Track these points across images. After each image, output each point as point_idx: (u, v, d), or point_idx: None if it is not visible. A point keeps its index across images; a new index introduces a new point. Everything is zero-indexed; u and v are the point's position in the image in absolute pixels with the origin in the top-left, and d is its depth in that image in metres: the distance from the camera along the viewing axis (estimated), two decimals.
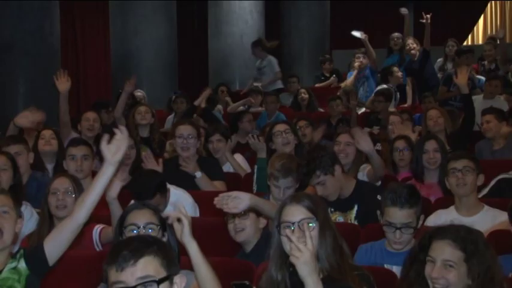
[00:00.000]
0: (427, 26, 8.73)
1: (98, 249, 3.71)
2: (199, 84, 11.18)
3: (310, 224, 2.54)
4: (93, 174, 4.80)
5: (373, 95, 8.27)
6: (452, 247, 2.42)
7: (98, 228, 3.77)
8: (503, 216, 3.61)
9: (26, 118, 5.18)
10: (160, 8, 9.88)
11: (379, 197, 3.88)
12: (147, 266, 2.03)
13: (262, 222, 3.59)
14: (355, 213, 4.07)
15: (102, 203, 4.32)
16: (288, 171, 4.16)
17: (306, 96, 9.03)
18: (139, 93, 8.64)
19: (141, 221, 2.96)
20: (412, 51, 9.05)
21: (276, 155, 4.61)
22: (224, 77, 11.03)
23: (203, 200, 4.43)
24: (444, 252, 2.43)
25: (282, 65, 11.86)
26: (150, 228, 2.95)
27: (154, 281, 2.02)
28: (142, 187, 4.02)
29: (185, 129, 5.00)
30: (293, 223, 2.54)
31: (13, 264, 2.84)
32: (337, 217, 4.11)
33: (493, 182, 4.53)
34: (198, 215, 4.42)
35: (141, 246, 2.07)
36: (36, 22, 7.19)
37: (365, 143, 4.43)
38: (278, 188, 4.14)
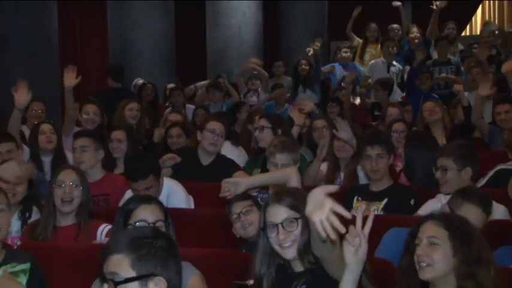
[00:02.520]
0: (436, 13, 8.69)
1: None
2: (197, 76, 11.18)
3: (293, 223, 2.53)
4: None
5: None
6: (437, 225, 2.45)
7: (103, 228, 3.71)
8: None
9: (22, 95, 5.19)
10: (158, 2, 9.88)
11: (412, 202, 3.95)
12: (117, 264, 2.03)
13: None
14: (384, 205, 4.05)
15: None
16: (285, 147, 4.21)
17: (307, 67, 9.04)
18: (140, 81, 8.69)
19: (151, 218, 2.92)
20: (416, 40, 9.04)
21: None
22: (222, 69, 10.98)
23: (198, 192, 4.47)
24: (429, 229, 2.45)
25: (280, 56, 11.88)
26: (159, 226, 2.89)
27: (112, 279, 2.02)
28: (136, 167, 4.02)
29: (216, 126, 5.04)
30: (276, 224, 2.54)
31: (14, 269, 2.85)
32: (360, 205, 4.12)
33: (491, 173, 4.55)
34: (192, 207, 4.44)
35: (118, 242, 2.07)
36: (34, 16, 7.17)
37: (344, 132, 4.60)
38: (275, 166, 4.17)
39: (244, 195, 3.73)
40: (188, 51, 12.69)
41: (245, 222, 3.58)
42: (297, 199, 2.57)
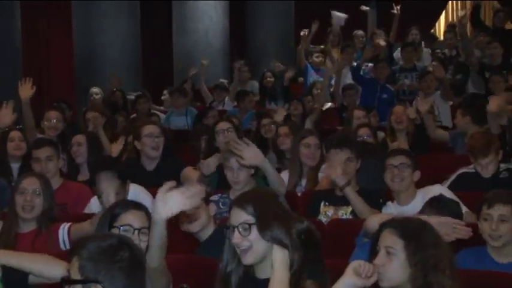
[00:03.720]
0: (396, 17, 8.82)
1: (65, 249, 3.65)
2: (164, 81, 11.15)
3: (246, 229, 2.51)
4: (61, 173, 4.84)
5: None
6: (393, 234, 2.45)
7: (64, 226, 3.72)
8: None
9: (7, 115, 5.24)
10: (124, 5, 9.83)
11: (381, 200, 4.02)
12: (71, 264, 2.06)
13: (212, 209, 3.65)
14: (352, 209, 4.02)
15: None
16: None
17: (272, 79, 9.12)
18: (95, 89, 8.62)
19: (137, 224, 2.90)
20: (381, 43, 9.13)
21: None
22: (189, 74, 10.98)
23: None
24: (386, 238, 2.46)
25: (247, 60, 11.88)
26: (144, 232, 2.88)
27: (62, 278, 2.07)
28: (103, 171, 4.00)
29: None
30: (234, 227, 2.53)
31: None
32: (327, 210, 4.13)
33: (453, 176, 4.61)
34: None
35: (79, 244, 2.09)
36: None
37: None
38: (231, 170, 4.08)
39: None
40: (155, 56, 12.63)
41: (191, 216, 3.45)
42: (260, 204, 2.55)
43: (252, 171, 4.15)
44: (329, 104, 8.66)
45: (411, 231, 2.45)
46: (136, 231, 2.87)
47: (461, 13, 10.43)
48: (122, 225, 2.89)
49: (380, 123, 6.92)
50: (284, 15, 12.53)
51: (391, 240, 2.45)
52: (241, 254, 2.51)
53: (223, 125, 5.31)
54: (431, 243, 2.43)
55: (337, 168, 3.95)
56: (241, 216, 2.52)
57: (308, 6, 13.03)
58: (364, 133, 5.49)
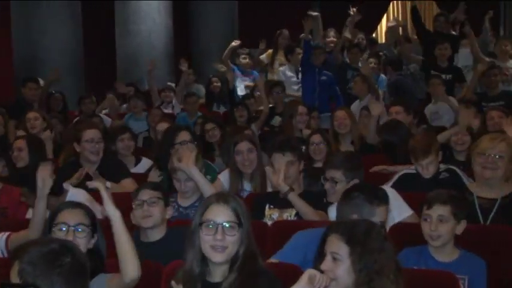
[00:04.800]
0: (353, 18, 8.92)
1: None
2: (108, 84, 11.00)
3: (231, 228, 2.55)
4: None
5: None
6: (339, 240, 2.47)
7: (3, 236, 3.66)
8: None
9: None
10: (65, 7, 9.67)
11: (325, 200, 4.00)
12: (12, 270, 2.08)
13: (169, 213, 3.63)
14: (296, 211, 4.04)
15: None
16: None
17: (218, 84, 9.11)
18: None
19: (72, 221, 2.97)
20: (331, 45, 9.20)
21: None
22: (133, 77, 10.89)
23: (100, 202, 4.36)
24: (332, 244, 2.48)
25: (191, 63, 11.84)
26: (80, 229, 2.96)
27: (2, 282, 2.06)
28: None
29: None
30: (218, 224, 2.54)
31: None
32: (272, 213, 4.14)
33: (396, 177, 4.67)
34: (100, 217, 4.36)
35: (22, 249, 2.10)
36: None
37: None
38: (178, 182, 4.24)
39: (157, 186, 3.71)
40: (97, 58, 12.47)
41: (146, 212, 3.52)
42: (241, 207, 2.59)
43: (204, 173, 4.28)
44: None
45: (357, 237, 2.46)
46: (71, 228, 2.95)
47: (390, 23, 10.67)
48: (57, 223, 2.98)
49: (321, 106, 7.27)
50: (228, 16, 12.53)
51: (336, 246, 2.47)
52: (214, 253, 2.54)
53: (185, 136, 5.02)
54: (376, 248, 2.45)
55: (280, 175, 3.96)
56: (227, 215, 2.57)
57: (252, 6, 13.09)
58: (315, 140, 5.49)
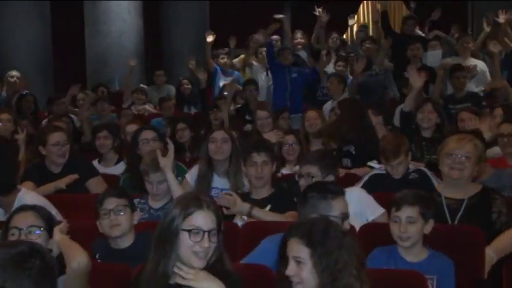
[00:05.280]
0: (320, 20, 8.96)
1: None
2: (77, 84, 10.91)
3: (214, 235, 2.57)
4: None
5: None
6: (299, 243, 2.47)
7: None
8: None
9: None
10: (33, 7, 9.59)
11: (295, 200, 3.99)
12: None
13: (136, 218, 3.60)
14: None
15: None
16: (158, 166, 4.22)
17: (189, 87, 9.11)
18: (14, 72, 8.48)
19: (24, 224, 2.93)
20: (299, 46, 9.23)
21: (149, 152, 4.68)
22: (103, 77, 10.83)
23: (66, 204, 4.35)
24: (293, 249, 2.49)
25: (162, 64, 11.81)
26: (33, 231, 2.92)
27: None
28: None
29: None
30: (205, 232, 2.55)
31: None
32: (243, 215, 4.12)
33: (366, 178, 4.72)
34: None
35: None
36: None
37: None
38: (150, 184, 4.27)
39: (122, 192, 3.65)
40: (66, 59, 12.37)
41: (114, 221, 3.48)
42: (220, 212, 2.62)
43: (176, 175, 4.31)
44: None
45: (315, 238, 2.46)
46: (24, 232, 2.93)
47: (350, 21, 10.75)
48: (10, 228, 2.96)
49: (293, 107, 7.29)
50: (199, 16, 12.49)
51: (297, 250, 2.47)
52: (198, 259, 2.55)
53: (148, 135, 5.21)
54: (335, 246, 2.46)
55: (237, 200, 3.91)
56: (213, 222, 2.57)
57: (223, 7, 13.07)
58: (289, 140, 5.52)
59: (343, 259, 2.44)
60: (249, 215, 3.90)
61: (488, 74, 8.15)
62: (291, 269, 2.46)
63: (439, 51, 8.75)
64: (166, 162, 4.22)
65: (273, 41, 8.73)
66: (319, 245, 2.44)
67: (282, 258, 2.53)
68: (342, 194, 3.21)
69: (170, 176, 4.23)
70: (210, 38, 9.06)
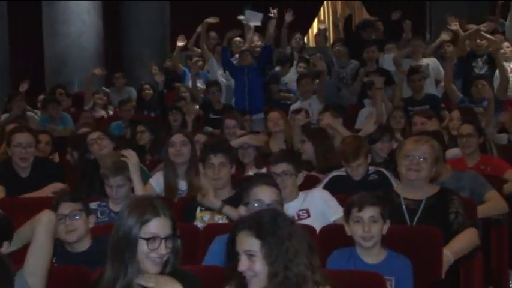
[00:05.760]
0: (273, 21, 8.99)
1: None
2: (35, 86, 10.77)
3: (170, 241, 2.55)
4: None
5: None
6: (250, 235, 2.44)
7: None
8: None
9: None
10: None
11: None
12: None
13: (91, 221, 3.58)
14: None
15: None
16: (118, 170, 4.24)
17: (150, 92, 9.08)
18: None
19: None
20: (257, 49, 9.25)
21: (108, 154, 4.71)
22: (62, 79, 10.70)
23: (21, 207, 4.28)
24: (243, 243, 2.45)
25: (122, 65, 11.71)
26: None
27: None
28: None
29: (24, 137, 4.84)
30: (162, 239, 2.53)
31: None
32: (204, 216, 4.13)
33: (326, 179, 4.74)
34: None
35: None
36: None
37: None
38: (110, 188, 4.26)
39: (76, 197, 3.61)
40: (24, 60, 12.19)
41: (70, 226, 3.44)
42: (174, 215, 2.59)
43: (132, 184, 4.31)
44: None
45: (265, 228, 2.44)
46: None
47: (321, 26, 10.89)
48: None
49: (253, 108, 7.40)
50: (159, 17, 12.41)
51: (248, 243, 2.44)
52: (153, 265, 2.53)
53: (93, 135, 5.25)
54: (285, 235, 2.43)
55: (210, 193, 3.97)
56: (169, 228, 2.55)
57: (183, 7, 13.01)
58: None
59: (293, 248, 2.42)
60: (220, 211, 3.93)
61: (442, 69, 8.29)
62: (243, 264, 2.43)
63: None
64: (133, 160, 4.24)
65: (226, 47, 8.84)
66: (269, 235, 2.42)
67: (231, 257, 2.49)
68: (269, 184, 3.43)
69: (136, 177, 4.27)
70: (181, 42, 9.09)
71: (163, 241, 2.52)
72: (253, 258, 2.43)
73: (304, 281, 2.41)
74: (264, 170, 5.08)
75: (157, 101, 8.78)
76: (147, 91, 9.23)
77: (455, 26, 8.29)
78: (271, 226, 2.45)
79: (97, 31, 11.62)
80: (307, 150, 5.35)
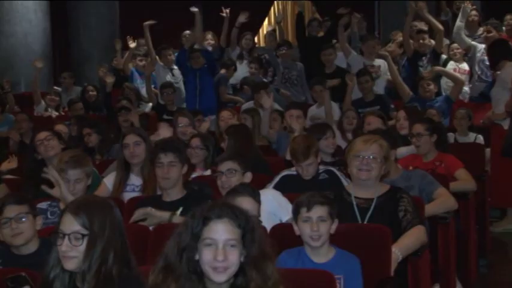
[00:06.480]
0: (226, 20, 8.99)
1: None
2: None
3: (78, 239, 2.50)
4: None
5: None
6: (232, 225, 2.38)
7: None
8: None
9: None
10: None
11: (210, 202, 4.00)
12: None
13: (38, 223, 3.51)
14: (179, 214, 3.99)
15: None
16: (77, 163, 4.15)
17: (94, 93, 8.97)
18: None
19: None
20: (210, 48, 9.21)
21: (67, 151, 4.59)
22: (8, 78, 10.47)
23: None
24: (225, 232, 2.38)
25: (70, 65, 11.54)
26: None
27: None
28: None
29: None
30: (64, 235, 2.50)
31: None
32: None
33: (277, 178, 4.75)
34: None
35: None
36: None
37: None
38: (68, 182, 4.09)
39: (22, 198, 3.52)
40: None
41: (16, 230, 3.36)
42: (92, 214, 2.52)
43: (89, 182, 4.22)
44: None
45: (243, 219, 2.41)
46: None
47: (269, 28, 10.96)
48: None
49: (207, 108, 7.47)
50: (108, 16, 12.28)
51: (231, 233, 2.37)
52: (65, 261, 2.50)
53: (41, 135, 5.15)
54: (258, 231, 2.45)
55: (152, 211, 3.92)
56: (75, 225, 2.50)
57: (133, 7, 12.90)
58: (194, 143, 5.47)
59: (265, 245, 2.44)
60: (170, 222, 3.86)
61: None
62: (221, 254, 2.34)
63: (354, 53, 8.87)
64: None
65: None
66: (247, 227, 2.40)
67: (185, 252, 2.44)
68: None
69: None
70: (132, 44, 9.06)
71: (66, 238, 2.49)
72: (232, 249, 2.37)
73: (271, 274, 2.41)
74: (208, 172, 5.10)
75: (102, 101, 8.69)
76: (90, 92, 9.13)
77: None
78: (246, 219, 2.42)
79: (44, 31, 11.42)
80: (228, 147, 5.39)
